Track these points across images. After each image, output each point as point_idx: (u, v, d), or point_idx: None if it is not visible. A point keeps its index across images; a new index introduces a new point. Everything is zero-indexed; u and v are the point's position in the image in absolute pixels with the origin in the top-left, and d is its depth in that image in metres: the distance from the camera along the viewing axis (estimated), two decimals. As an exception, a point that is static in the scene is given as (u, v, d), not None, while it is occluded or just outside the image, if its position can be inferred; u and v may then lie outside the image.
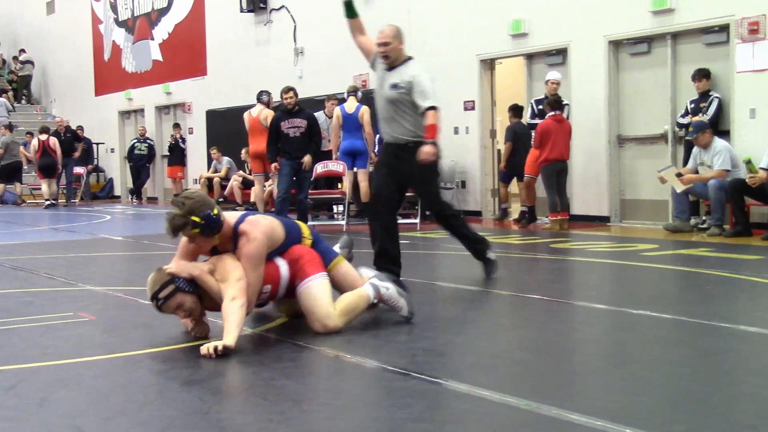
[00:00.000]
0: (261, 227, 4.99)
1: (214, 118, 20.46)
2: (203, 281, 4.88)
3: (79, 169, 22.69)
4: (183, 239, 4.96)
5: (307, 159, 11.96)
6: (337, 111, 13.55)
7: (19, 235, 13.24)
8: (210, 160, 19.85)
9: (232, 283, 4.80)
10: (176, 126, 21.79)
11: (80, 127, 23.66)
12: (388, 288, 5.33)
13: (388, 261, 6.94)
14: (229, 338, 4.55)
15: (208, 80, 20.94)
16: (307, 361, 4.58)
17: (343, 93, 14.25)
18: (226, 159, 19.18)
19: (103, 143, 24.50)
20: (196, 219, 4.80)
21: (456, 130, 14.72)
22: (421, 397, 3.77)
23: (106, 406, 3.75)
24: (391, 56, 7.15)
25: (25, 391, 3.98)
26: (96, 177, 24.60)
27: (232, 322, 4.65)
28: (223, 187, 18.87)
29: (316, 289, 5.09)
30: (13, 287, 7.26)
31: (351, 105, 13.51)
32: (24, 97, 28.44)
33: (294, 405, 3.70)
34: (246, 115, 14.38)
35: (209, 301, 4.95)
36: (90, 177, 23.56)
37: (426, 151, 6.56)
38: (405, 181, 7.14)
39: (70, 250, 10.87)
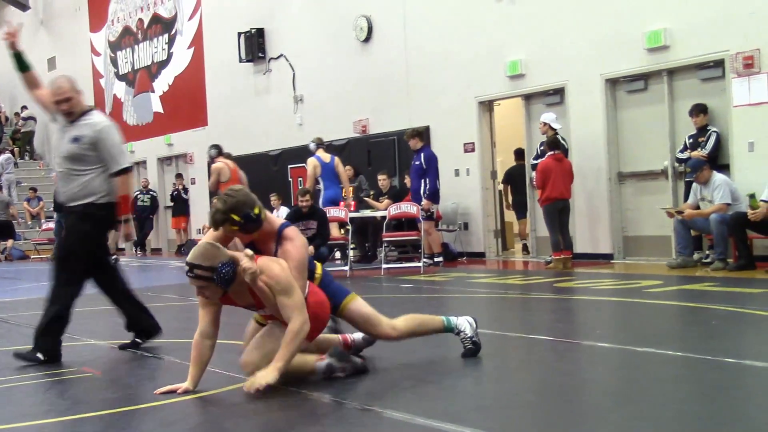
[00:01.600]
0: (302, 237, 5.21)
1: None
2: (265, 291, 4.88)
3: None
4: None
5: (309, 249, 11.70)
6: (313, 161, 13.92)
7: (23, 292, 13.24)
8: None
9: (301, 307, 4.86)
10: (179, 176, 21.87)
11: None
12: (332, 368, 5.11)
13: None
14: (274, 372, 4.70)
15: (210, 130, 21.05)
16: (311, 407, 4.55)
17: (312, 144, 14.42)
18: (228, 208, 19.20)
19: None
20: (236, 217, 4.94)
21: (457, 172, 14.77)
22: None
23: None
24: (75, 111, 6.52)
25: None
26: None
27: (287, 353, 4.77)
28: (227, 236, 18.87)
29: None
30: (18, 343, 7.25)
31: (325, 155, 13.93)
32: (27, 153, 28.58)
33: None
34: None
35: (245, 299, 4.99)
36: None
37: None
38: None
39: (77, 304, 10.85)
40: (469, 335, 5.70)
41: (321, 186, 13.96)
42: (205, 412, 4.60)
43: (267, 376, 4.66)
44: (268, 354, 4.84)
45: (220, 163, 14.69)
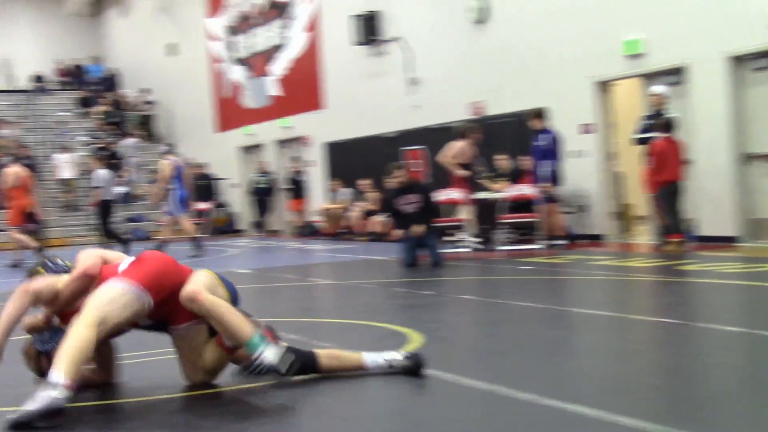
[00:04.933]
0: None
1: (333, 150, 20.78)
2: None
3: (203, 205, 23.31)
4: None
5: (417, 229, 11.58)
6: (168, 163, 15.70)
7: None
8: (330, 191, 20.14)
9: None
10: (295, 159, 22.18)
11: (204, 164, 24.33)
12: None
13: None
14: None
15: (326, 113, 21.27)
16: (432, 388, 4.60)
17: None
18: (346, 190, 19.43)
19: (224, 179, 25.08)
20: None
21: (574, 154, 14.58)
22: (550, 423, 3.77)
23: (245, 436, 3.86)
24: None
25: (152, 424, 4.12)
26: (219, 212, 25.20)
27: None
28: (344, 218, 19.11)
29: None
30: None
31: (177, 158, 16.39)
32: (150, 137, 29.37)
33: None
34: (12, 171, 15.47)
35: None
36: (214, 212, 24.16)
37: None
38: None
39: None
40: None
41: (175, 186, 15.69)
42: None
43: None
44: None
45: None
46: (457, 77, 17.10)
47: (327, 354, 4.92)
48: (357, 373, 4.79)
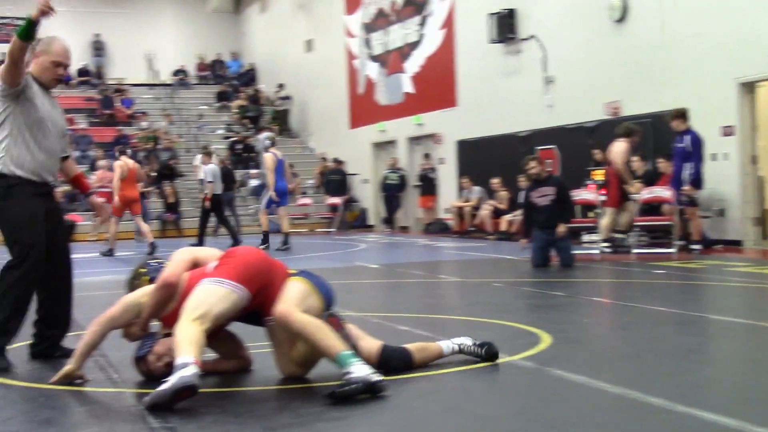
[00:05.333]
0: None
1: (465, 148, 20.74)
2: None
3: (335, 200, 23.61)
4: None
5: (561, 230, 11.30)
6: (271, 156, 16.13)
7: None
8: (461, 189, 20.12)
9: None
10: (427, 156, 22.23)
11: (337, 160, 24.62)
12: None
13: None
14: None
15: (459, 111, 21.24)
16: (562, 389, 4.54)
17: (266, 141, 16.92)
18: (476, 188, 19.37)
19: (357, 174, 25.34)
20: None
21: (714, 157, 14.16)
22: (684, 430, 3.67)
23: (373, 427, 3.89)
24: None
25: (295, 410, 4.18)
26: (351, 207, 25.48)
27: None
28: (474, 216, 19.06)
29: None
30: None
31: (278, 152, 16.63)
32: (285, 131, 29.92)
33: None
34: (120, 163, 16.15)
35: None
36: (345, 207, 24.44)
37: None
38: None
39: (329, 277, 11.30)
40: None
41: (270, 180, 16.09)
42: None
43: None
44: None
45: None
46: (593, 76, 16.84)
47: (417, 348, 4.99)
48: (451, 361, 4.77)
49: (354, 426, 3.94)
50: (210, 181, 16.52)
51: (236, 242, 15.72)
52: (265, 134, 19.41)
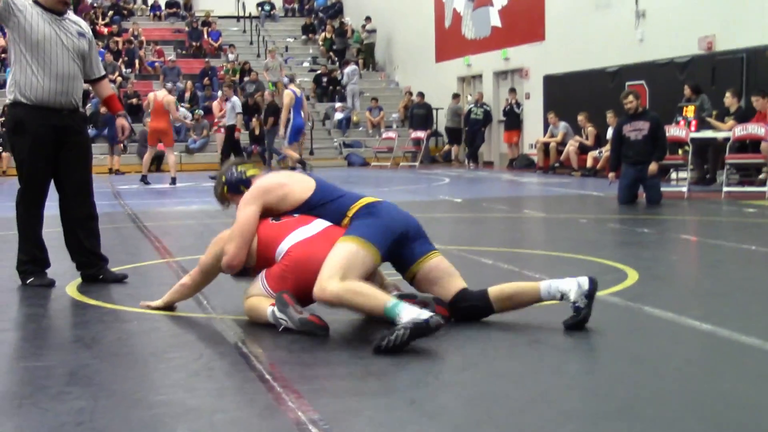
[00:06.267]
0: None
1: (552, 83, 20.42)
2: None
3: (419, 134, 23.55)
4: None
5: (653, 168, 11.12)
6: (290, 93, 16.69)
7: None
8: (546, 125, 19.88)
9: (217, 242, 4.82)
10: (512, 91, 21.98)
11: (421, 93, 24.49)
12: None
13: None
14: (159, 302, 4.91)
15: (546, 45, 20.89)
16: (650, 325, 4.50)
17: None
18: (562, 124, 19.12)
19: (442, 108, 25.20)
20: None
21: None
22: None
23: (459, 358, 3.93)
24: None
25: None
26: (435, 141, 25.39)
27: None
28: (560, 152, 18.85)
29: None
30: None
31: (298, 89, 17.24)
32: (370, 64, 29.83)
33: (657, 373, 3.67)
34: (151, 95, 17.15)
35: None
36: (429, 141, 24.38)
37: None
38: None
39: (414, 210, 11.32)
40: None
41: (291, 116, 16.57)
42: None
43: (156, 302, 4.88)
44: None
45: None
46: (686, 10, 16.38)
47: (500, 293, 4.46)
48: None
49: (439, 361, 3.95)
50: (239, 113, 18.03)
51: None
52: (285, 77, 21.32)
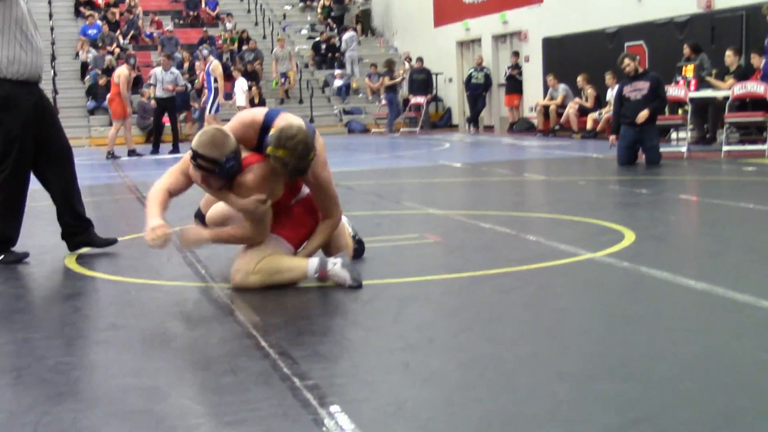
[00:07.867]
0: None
1: (551, 45, 20.32)
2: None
3: (419, 99, 23.46)
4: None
5: (643, 113, 11.09)
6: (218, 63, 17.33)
7: (366, 162, 13.97)
8: (546, 87, 19.81)
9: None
10: (515, 54, 21.87)
11: (420, 58, 24.39)
12: (336, 263, 4.57)
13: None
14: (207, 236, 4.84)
15: (544, 8, 20.76)
16: (646, 285, 4.52)
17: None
18: (562, 86, 19.05)
19: (441, 73, 25.09)
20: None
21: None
22: (771, 326, 3.65)
23: (454, 322, 3.95)
24: None
25: (381, 305, 4.26)
26: (435, 106, 25.31)
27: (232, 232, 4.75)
28: (560, 115, 18.80)
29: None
30: (363, 209, 7.71)
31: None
32: (369, 30, 29.68)
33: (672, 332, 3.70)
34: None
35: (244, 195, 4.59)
36: (429, 106, 24.29)
37: None
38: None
39: (414, 176, 11.35)
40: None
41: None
42: (560, 283, 4.70)
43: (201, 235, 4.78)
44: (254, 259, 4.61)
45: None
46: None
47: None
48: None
49: (433, 326, 4.00)
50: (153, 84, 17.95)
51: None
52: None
